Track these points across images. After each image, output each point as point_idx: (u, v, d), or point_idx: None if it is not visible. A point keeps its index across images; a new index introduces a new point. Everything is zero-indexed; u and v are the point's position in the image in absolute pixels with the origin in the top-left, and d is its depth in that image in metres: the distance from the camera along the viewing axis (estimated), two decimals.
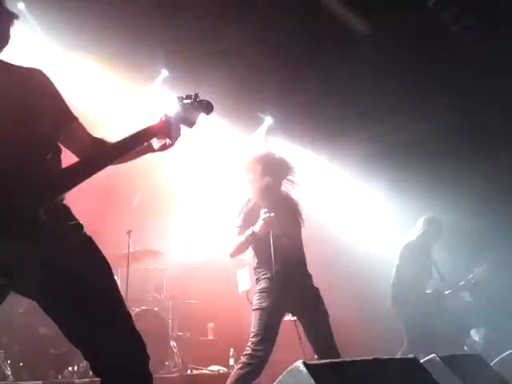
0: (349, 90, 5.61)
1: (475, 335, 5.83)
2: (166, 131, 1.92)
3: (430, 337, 4.62)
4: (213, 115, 2.11)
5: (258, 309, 3.03)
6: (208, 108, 2.03)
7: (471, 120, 5.93)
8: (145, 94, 6.05)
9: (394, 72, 5.30)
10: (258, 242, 3.21)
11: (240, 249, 3.23)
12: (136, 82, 5.88)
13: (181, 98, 2.01)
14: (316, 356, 3.05)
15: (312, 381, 1.88)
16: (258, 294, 3.11)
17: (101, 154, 1.83)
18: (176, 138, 1.97)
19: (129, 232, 5.08)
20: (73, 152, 1.93)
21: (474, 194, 5.99)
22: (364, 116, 6.22)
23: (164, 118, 1.93)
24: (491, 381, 3.04)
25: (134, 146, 1.89)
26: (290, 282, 3.13)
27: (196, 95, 2.01)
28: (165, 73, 5.85)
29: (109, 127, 5.36)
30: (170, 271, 5.84)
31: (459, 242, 6.10)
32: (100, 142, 1.93)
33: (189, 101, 1.99)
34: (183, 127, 2.00)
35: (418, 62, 5.20)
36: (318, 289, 3.27)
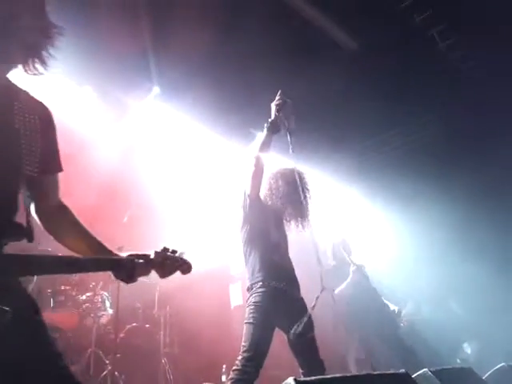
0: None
1: (467, 348, 5.85)
2: (128, 274, 1.71)
3: None
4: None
5: (250, 323, 3.01)
6: (186, 270, 1.84)
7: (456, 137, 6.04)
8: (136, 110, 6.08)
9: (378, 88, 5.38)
10: (253, 242, 3.23)
11: (263, 148, 3.22)
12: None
13: (165, 249, 1.81)
14: (301, 370, 3.03)
15: None
16: (250, 307, 3.09)
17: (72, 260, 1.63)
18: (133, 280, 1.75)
19: (120, 248, 5.03)
20: (34, 201, 1.75)
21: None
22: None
23: (133, 260, 1.72)
24: None
25: (92, 269, 1.79)
26: (284, 295, 3.13)
27: (181, 253, 1.84)
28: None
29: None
30: (162, 287, 5.79)
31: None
32: (65, 211, 1.82)
33: (170, 255, 1.80)
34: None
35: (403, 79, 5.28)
36: (303, 300, 3.28)
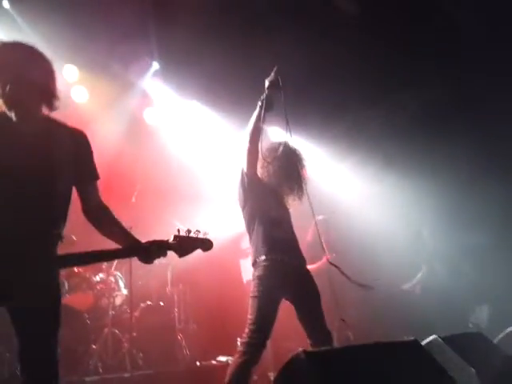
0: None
1: (480, 312, 5.87)
2: (146, 257, 2.22)
3: None
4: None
5: (255, 296, 3.05)
6: (206, 248, 2.34)
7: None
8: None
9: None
10: (255, 219, 3.25)
11: (256, 124, 3.21)
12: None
13: (186, 232, 2.29)
14: (309, 341, 3.08)
15: (312, 368, 1.91)
16: (255, 281, 3.13)
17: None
18: (152, 261, 2.25)
19: (130, 228, 5.09)
20: (81, 204, 2.29)
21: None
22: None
23: (148, 245, 2.21)
24: (495, 358, 3.06)
25: (119, 257, 2.41)
26: (288, 268, 3.16)
27: (204, 233, 2.33)
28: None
29: None
30: (174, 265, 5.86)
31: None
32: (103, 210, 2.30)
33: (187, 237, 2.28)
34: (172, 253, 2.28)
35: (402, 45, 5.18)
36: (309, 272, 3.31)
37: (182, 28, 4.87)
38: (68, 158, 2.15)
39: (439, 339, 2.78)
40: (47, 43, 5.25)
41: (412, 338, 2.48)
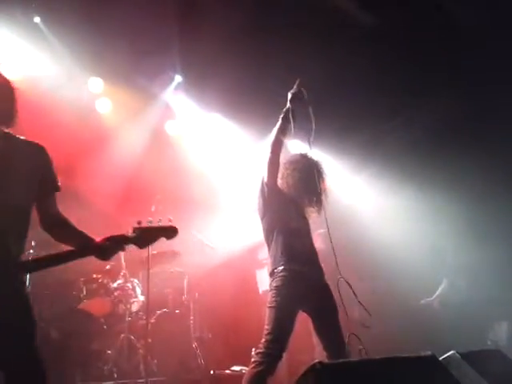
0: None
1: (498, 329, 5.77)
2: (105, 254, 2.25)
3: None
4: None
5: (272, 307, 3.05)
6: (170, 235, 2.30)
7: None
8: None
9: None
10: (275, 230, 3.27)
11: (278, 136, 3.25)
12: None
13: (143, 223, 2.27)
14: (325, 353, 3.06)
15: (328, 381, 1.91)
16: (273, 291, 3.13)
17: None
18: (109, 257, 2.28)
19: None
20: (39, 215, 2.35)
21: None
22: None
23: (104, 241, 2.22)
24: None
25: (78, 257, 2.24)
26: (306, 279, 3.16)
27: (159, 220, 2.29)
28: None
29: None
30: (190, 273, 5.90)
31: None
32: (61, 220, 2.35)
33: (147, 228, 2.26)
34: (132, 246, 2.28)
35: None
36: (328, 285, 3.30)
37: (203, 42, 4.97)
38: (28, 173, 2.22)
39: (457, 355, 2.75)
40: (75, 57, 5.46)
41: (429, 353, 2.46)
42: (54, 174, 2.36)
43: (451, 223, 6.27)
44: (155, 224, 2.27)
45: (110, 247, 2.22)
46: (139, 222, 2.26)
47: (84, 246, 2.24)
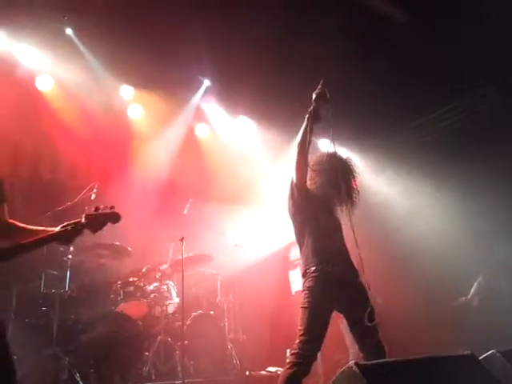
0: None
1: None
2: (64, 240, 2.51)
3: None
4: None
5: (305, 307, 3.03)
6: (114, 220, 2.56)
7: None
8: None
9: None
10: (306, 230, 3.26)
11: (304, 136, 3.27)
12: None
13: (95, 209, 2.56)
14: (361, 355, 3.03)
15: (365, 381, 1.90)
16: (305, 292, 3.12)
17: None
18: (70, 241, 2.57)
19: (182, 239, 5.23)
20: None
21: None
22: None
23: (65, 228, 2.47)
24: None
25: (37, 247, 2.44)
26: (338, 279, 3.13)
27: (104, 207, 2.56)
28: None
29: None
30: (223, 275, 5.96)
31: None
32: (11, 226, 2.53)
33: (96, 213, 2.54)
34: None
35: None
36: (362, 284, 3.25)
37: (232, 47, 5.01)
38: None
39: (498, 354, 2.69)
40: (106, 66, 5.61)
41: (468, 352, 2.41)
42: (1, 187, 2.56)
43: (492, 221, 6.12)
44: (102, 211, 2.56)
45: (69, 232, 2.45)
46: (93, 210, 2.55)
47: (48, 235, 2.44)
